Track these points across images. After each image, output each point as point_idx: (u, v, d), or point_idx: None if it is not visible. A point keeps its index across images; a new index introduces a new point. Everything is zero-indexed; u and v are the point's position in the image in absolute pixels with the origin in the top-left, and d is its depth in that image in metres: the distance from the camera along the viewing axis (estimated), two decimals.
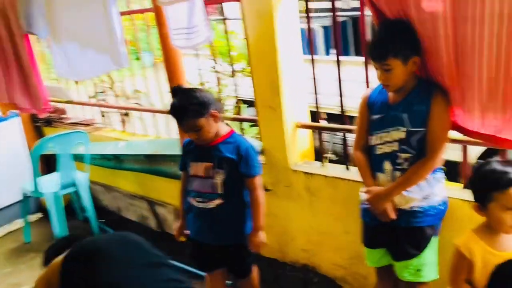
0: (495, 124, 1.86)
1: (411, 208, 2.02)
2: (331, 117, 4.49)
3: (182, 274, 1.09)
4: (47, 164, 4.20)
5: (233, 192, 2.29)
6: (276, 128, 2.87)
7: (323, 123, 3.02)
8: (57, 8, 3.03)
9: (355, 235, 2.41)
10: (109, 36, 2.81)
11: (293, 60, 2.79)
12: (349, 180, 2.65)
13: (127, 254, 1.04)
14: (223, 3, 3.15)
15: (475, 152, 3.97)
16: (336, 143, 5.03)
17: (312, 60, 2.76)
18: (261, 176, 2.32)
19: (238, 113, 3.40)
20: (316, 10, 5.26)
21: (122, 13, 3.21)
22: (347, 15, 5.37)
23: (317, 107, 2.86)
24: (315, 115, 2.93)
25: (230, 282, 2.74)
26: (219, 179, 2.26)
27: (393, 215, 2.01)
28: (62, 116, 4.54)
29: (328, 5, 2.58)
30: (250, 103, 3.65)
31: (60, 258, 1.04)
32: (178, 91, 2.25)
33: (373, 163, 2.11)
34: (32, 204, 4.25)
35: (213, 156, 2.26)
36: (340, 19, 5.33)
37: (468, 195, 1.88)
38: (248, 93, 3.25)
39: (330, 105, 3.83)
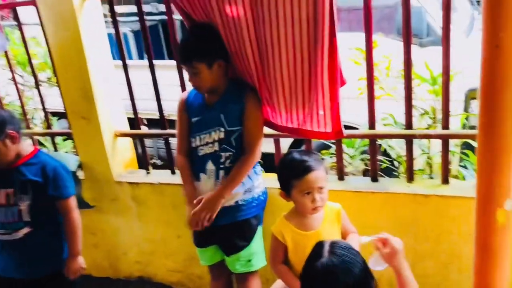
0: (299, 118, 2.07)
1: (235, 203, 2.11)
2: (152, 123, 4.43)
3: None
4: None
5: (43, 218, 2.10)
6: (93, 140, 2.71)
7: (144, 129, 2.96)
8: None
9: (187, 238, 2.43)
10: None
11: (103, 66, 2.66)
12: (175, 184, 2.65)
13: None
14: (16, 7, 2.82)
15: (286, 143, 4.38)
16: (161, 148, 4.98)
17: (125, 65, 2.68)
18: (74, 197, 2.17)
19: (49, 127, 3.09)
20: (123, 15, 5.11)
21: None
22: (157, 19, 5.35)
23: (135, 113, 2.78)
24: (134, 122, 2.84)
25: None
26: (23, 205, 2.04)
27: (206, 223, 2.03)
28: None
29: (136, 9, 2.52)
30: (61, 115, 3.35)
31: None
32: None
33: (196, 164, 2.15)
34: None
35: (14, 180, 2.04)
36: (150, 23, 5.28)
37: None
38: (57, 104, 2.99)
39: (149, 111, 3.77)
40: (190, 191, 2.12)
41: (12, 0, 3.16)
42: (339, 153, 2.35)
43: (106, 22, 2.74)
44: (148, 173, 2.86)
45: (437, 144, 2.34)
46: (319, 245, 1.41)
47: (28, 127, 3.13)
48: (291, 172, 1.83)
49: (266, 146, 2.42)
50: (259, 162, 2.23)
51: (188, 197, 2.12)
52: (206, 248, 2.25)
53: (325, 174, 1.85)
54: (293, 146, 3.99)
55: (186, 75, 2.14)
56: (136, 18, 2.58)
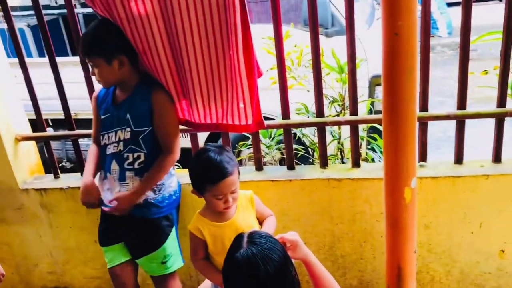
0: (217, 112, 2.05)
1: (144, 201, 2.04)
2: (58, 124, 4.17)
3: None
4: None
5: None
6: None
7: (49, 131, 2.76)
8: None
9: None
10: None
11: None
12: None
13: None
14: None
15: (202, 136, 4.35)
16: (70, 150, 4.70)
17: (23, 63, 2.47)
18: None
19: None
20: (17, 8, 4.74)
21: None
22: (56, 12, 5.02)
23: (38, 114, 2.58)
24: (37, 124, 2.64)
25: None
26: None
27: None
28: None
29: (31, 2, 2.33)
30: None
31: None
32: None
33: (105, 163, 2.08)
34: None
35: None
36: (49, 17, 4.94)
37: None
38: None
39: (54, 111, 3.54)
40: (87, 168, 2.10)
41: None
42: (256, 144, 2.37)
43: None
44: (56, 177, 2.68)
45: (346, 130, 2.45)
46: (239, 237, 1.41)
47: None
48: (205, 176, 1.78)
49: (182, 141, 2.38)
50: None
51: (84, 173, 2.11)
52: (111, 246, 2.16)
53: (238, 174, 1.82)
54: (209, 139, 3.98)
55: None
56: (33, 12, 2.38)
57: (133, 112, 1.98)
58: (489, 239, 2.21)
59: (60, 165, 2.77)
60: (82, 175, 2.63)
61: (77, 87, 2.75)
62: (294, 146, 2.43)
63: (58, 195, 2.57)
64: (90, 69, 1.99)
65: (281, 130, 2.71)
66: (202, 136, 3.78)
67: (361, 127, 2.48)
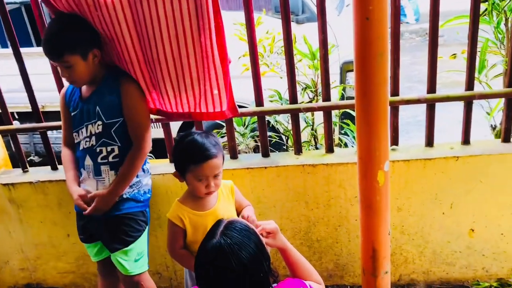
0: (189, 101, 2.02)
1: (121, 197, 1.99)
2: (24, 116, 4.04)
3: None
4: None
5: None
6: None
7: (15, 124, 2.67)
8: None
9: (77, 236, 2.27)
10: None
11: None
12: (58, 180, 2.45)
13: None
14: None
15: (175, 126, 4.30)
16: (38, 143, 4.57)
17: None
18: None
19: None
20: None
21: None
22: (18, 1, 4.84)
23: (3, 107, 2.49)
24: (2, 117, 2.55)
25: None
26: None
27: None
28: None
29: None
30: None
31: None
32: None
33: (80, 160, 2.03)
34: None
35: None
36: (11, 6, 4.76)
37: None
38: None
39: (19, 103, 3.43)
40: (68, 177, 2.03)
41: None
42: (231, 132, 2.36)
43: None
44: (25, 171, 2.61)
45: (319, 116, 2.46)
46: (216, 224, 1.40)
47: None
48: (189, 156, 1.77)
49: (154, 131, 2.35)
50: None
51: (68, 183, 2.03)
52: (92, 243, 2.13)
53: (222, 159, 1.82)
54: (183, 128, 3.94)
55: None
56: None
57: (102, 104, 1.93)
58: (460, 218, 2.28)
59: (28, 159, 2.68)
60: (52, 168, 2.57)
61: (43, 79, 2.67)
62: (268, 133, 2.42)
63: (27, 190, 2.50)
64: (60, 70, 1.87)
65: (255, 118, 2.71)
66: (175, 126, 3.73)
67: (334, 112, 2.49)
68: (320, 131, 2.61)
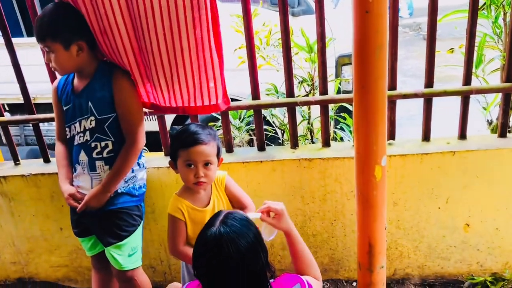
0: (183, 95, 1.99)
1: (115, 192, 1.97)
2: (15, 108, 3.98)
3: None
4: None
5: None
6: None
7: (6, 116, 2.62)
8: None
9: (70, 229, 2.24)
10: None
11: None
12: (51, 173, 2.42)
13: None
14: None
15: (169, 119, 4.27)
16: (29, 135, 4.52)
17: None
18: None
19: None
20: None
21: None
22: None
23: None
24: None
25: None
26: None
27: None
28: None
29: None
30: None
31: None
32: None
33: (73, 155, 2.00)
34: None
35: None
36: None
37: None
38: None
39: (9, 95, 3.38)
40: (61, 175, 2.02)
41: None
42: (226, 125, 2.34)
43: None
44: (17, 164, 2.57)
45: (316, 110, 2.44)
46: (216, 215, 1.40)
47: None
48: (179, 141, 1.78)
49: (149, 124, 2.32)
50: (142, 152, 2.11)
51: (59, 181, 2.02)
52: (87, 237, 2.11)
53: (216, 151, 1.80)
54: (176, 121, 3.91)
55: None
56: None
57: (94, 100, 1.90)
58: (455, 213, 2.28)
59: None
60: (44, 161, 2.53)
61: (33, 70, 2.62)
62: (264, 127, 2.40)
63: (19, 183, 2.46)
64: (46, 55, 1.86)
65: (250, 112, 2.69)
66: (168, 118, 3.70)
67: (330, 106, 2.48)
68: (316, 125, 2.60)
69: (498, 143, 2.20)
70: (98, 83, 1.91)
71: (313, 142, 2.71)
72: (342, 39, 3.14)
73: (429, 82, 2.17)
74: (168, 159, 1.90)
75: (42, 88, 2.76)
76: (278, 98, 2.63)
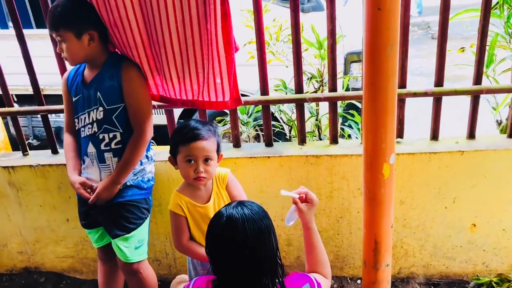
0: (193, 88, 1.99)
1: (124, 184, 1.98)
2: (24, 99, 4.00)
3: None
4: None
5: None
6: None
7: (16, 107, 2.63)
8: None
9: (77, 221, 2.26)
10: None
11: None
12: (58, 165, 2.43)
13: None
14: None
15: (176, 113, 4.27)
16: (37, 127, 4.54)
17: None
18: None
19: None
20: None
21: None
22: None
23: (4, 89, 2.46)
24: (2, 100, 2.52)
25: None
26: None
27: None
28: None
29: None
30: None
31: None
32: None
33: (82, 147, 2.01)
34: None
35: None
36: None
37: None
38: None
39: (19, 86, 3.39)
40: (69, 166, 2.02)
41: None
42: (234, 120, 2.34)
43: None
44: (25, 154, 2.58)
45: (324, 106, 2.44)
46: (228, 204, 1.40)
47: None
48: (179, 137, 1.78)
49: (157, 118, 2.32)
50: (150, 144, 2.11)
51: (68, 173, 2.01)
52: (94, 229, 2.12)
53: (216, 147, 1.80)
54: (184, 114, 3.91)
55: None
56: None
57: (103, 89, 1.91)
58: (462, 213, 2.27)
59: (26, 142, 2.65)
60: (52, 152, 2.54)
61: (42, 62, 2.63)
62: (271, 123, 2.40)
63: (27, 173, 2.48)
64: (58, 44, 1.88)
65: (258, 107, 2.68)
66: (175, 113, 3.71)
67: (339, 103, 2.47)
68: (324, 122, 2.59)
69: (507, 143, 2.19)
70: (107, 73, 1.91)
71: (320, 139, 2.71)
72: (351, 36, 3.13)
73: (439, 81, 2.16)
74: None
75: (51, 80, 2.78)
76: (286, 94, 2.63)
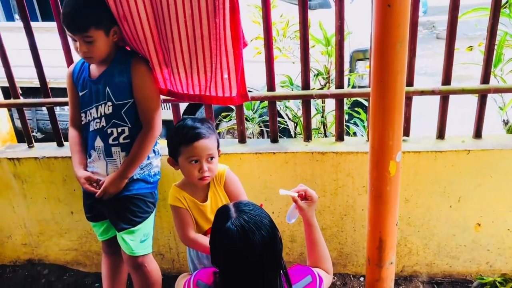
0: (200, 83, 1.98)
1: (131, 178, 1.98)
2: (28, 92, 4.00)
3: None
4: None
5: None
6: None
7: (21, 99, 2.64)
8: None
9: (81, 214, 2.27)
10: None
11: None
12: (63, 157, 2.43)
13: None
14: None
15: (181, 106, 4.26)
16: (40, 120, 4.54)
17: None
18: None
19: None
20: None
21: None
22: None
23: (11, 81, 2.46)
24: (9, 92, 2.52)
25: None
26: None
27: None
28: None
29: None
30: None
31: None
32: None
33: (89, 141, 2.00)
34: None
35: None
36: None
37: None
38: None
39: (25, 78, 3.39)
40: (75, 161, 2.01)
41: None
42: (240, 116, 2.33)
43: None
44: (30, 146, 2.59)
45: (330, 103, 2.43)
46: (224, 208, 1.39)
47: None
48: (180, 138, 1.76)
49: (163, 113, 2.31)
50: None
51: (74, 167, 2.01)
52: (99, 222, 2.12)
53: (216, 144, 1.80)
54: (188, 109, 3.91)
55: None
56: None
57: (112, 85, 1.90)
58: (466, 212, 2.27)
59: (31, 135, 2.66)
60: (58, 144, 2.55)
61: (48, 55, 2.63)
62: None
63: (33, 165, 2.48)
64: (79, 45, 1.80)
65: (265, 103, 2.68)
66: (181, 107, 3.70)
67: (345, 101, 2.47)
68: (330, 119, 2.59)
69: None
70: (117, 68, 1.91)
71: (325, 136, 2.70)
72: (357, 34, 3.12)
73: (446, 79, 2.15)
74: None
75: (55, 73, 2.77)
76: (292, 90, 2.62)
